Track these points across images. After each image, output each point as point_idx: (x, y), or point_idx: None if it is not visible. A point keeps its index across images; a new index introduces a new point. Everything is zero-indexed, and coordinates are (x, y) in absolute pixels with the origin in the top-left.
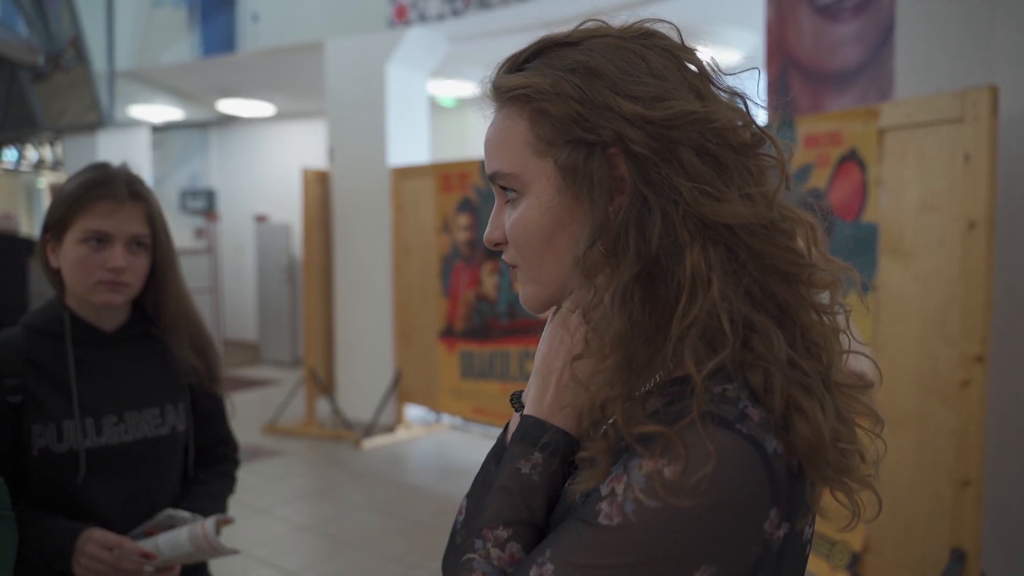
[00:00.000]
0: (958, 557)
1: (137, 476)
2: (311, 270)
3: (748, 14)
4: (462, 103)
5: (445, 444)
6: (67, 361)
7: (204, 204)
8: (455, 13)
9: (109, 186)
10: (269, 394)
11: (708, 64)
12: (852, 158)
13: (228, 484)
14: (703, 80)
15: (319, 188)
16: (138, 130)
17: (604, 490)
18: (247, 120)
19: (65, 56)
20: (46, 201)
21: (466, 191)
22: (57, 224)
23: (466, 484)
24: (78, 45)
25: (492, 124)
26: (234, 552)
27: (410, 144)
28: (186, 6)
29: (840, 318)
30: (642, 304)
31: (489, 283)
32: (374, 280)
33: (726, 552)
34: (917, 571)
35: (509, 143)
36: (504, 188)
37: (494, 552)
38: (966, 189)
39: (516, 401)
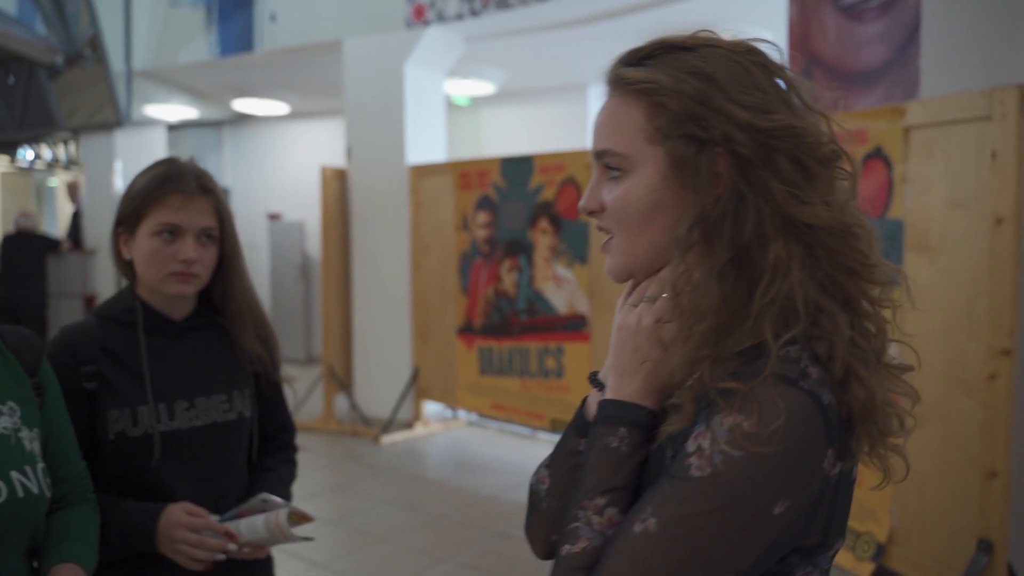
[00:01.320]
0: (985, 548)
1: (207, 460)
2: (329, 267)
3: (765, 13)
4: (476, 102)
5: (462, 440)
6: (140, 349)
7: None
8: (473, 13)
9: (180, 180)
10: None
11: (797, 82)
12: (877, 156)
13: (292, 470)
14: (794, 96)
15: (337, 186)
16: (154, 129)
17: (691, 447)
18: (260, 119)
19: (83, 55)
20: (58, 200)
21: (485, 189)
22: (130, 218)
23: (485, 479)
24: (96, 44)
25: (605, 108)
26: (307, 540)
27: (427, 143)
28: (204, 6)
29: (888, 311)
30: (733, 283)
31: (508, 280)
32: (392, 277)
33: (797, 488)
34: (943, 562)
35: (624, 127)
36: (609, 166)
37: (595, 519)
38: (993, 186)
39: (595, 380)
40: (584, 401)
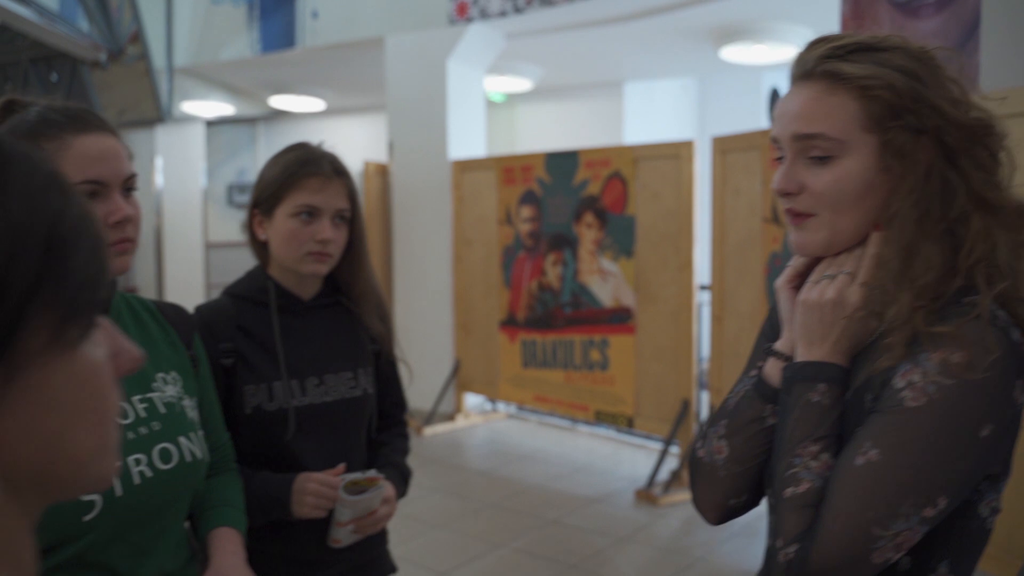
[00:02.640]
0: None
1: (335, 434)
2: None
3: (806, 11)
4: (511, 99)
5: (503, 432)
6: (273, 326)
7: None
8: (517, 10)
9: (318, 164)
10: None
11: (962, 82)
12: None
13: (406, 445)
14: (965, 95)
15: (379, 181)
16: (194, 125)
17: (900, 383)
18: (295, 115)
19: (125, 52)
20: None
21: (529, 183)
22: (268, 200)
23: (530, 469)
24: (139, 41)
25: (806, 96)
26: (379, 491)
27: (467, 138)
28: (245, 3)
29: None
30: (942, 249)
31: (553, 273)
32: (434, 271)
33: (998, 413)
34: None
35: (837, 115)
36: (813, 150)
37: (812, 464)
38: None
39: (774, 351)
40: (759, 373)
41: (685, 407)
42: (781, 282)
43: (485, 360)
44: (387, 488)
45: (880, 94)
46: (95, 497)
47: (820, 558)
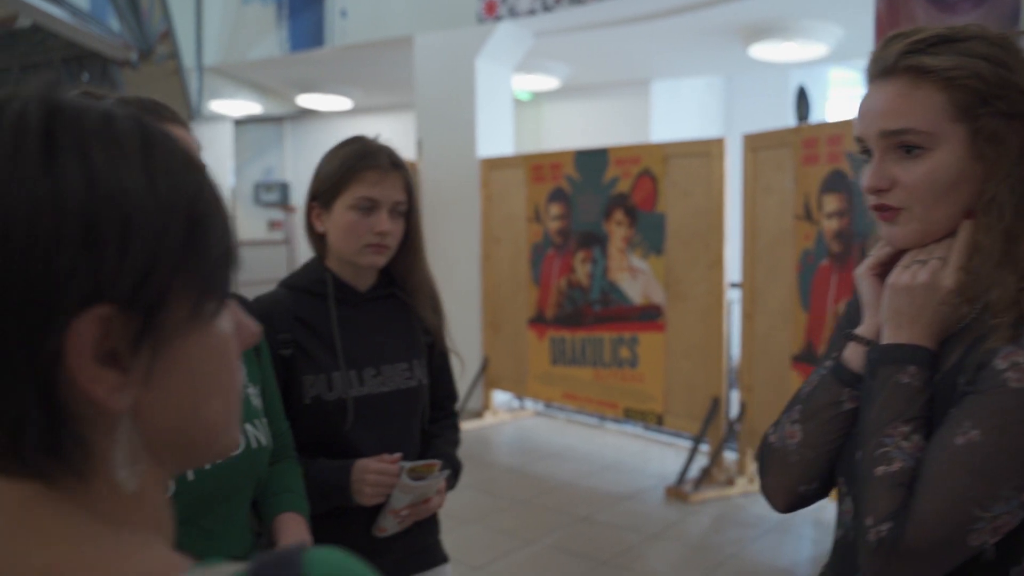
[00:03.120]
0: None
1: (391, 425)
2: None
3: (837, 8)
4: (537, 97)
5: (531, 429)
6: (331, 318)
7: (278, 197)
8: (546, 8)
9: (376, 157)
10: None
11: None
12: None
13: (457, 436)
14: None
15: None
16: (223, 124)
17: (1002, 364)
18: (321, 114)
19: (155, 52)
20: None
21: (558, 181)
22: (327, 192)
23: (559, 466)
24: (168, 40)
25: (891, 92)
26: (441, 475)
27: (495, 137)
28: (274, 3)
29: None
30: None
31: (582, 271)
32: (462, 269)
33: None
34: None
35: (923, 108)
36: (904, 145)
37: (904, 444)
38: None
39: (856, 336)
40: (839, 358)
41: (715, 405)
42: (862, 270)
43: (513, 357)
44: (442, 477)
45: (967, 83)
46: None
47: (917, 535)
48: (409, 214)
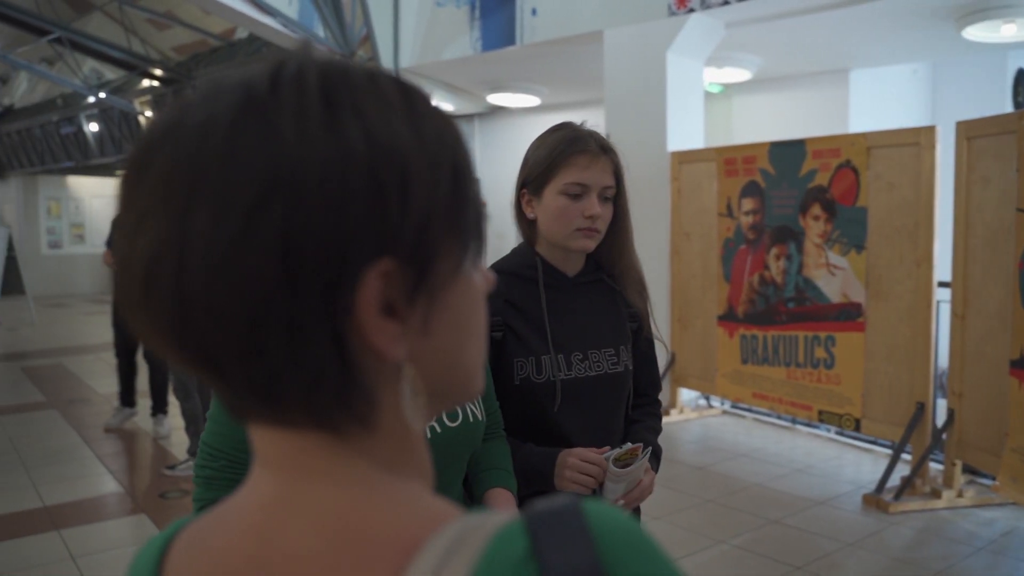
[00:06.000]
0: None
1: (597, 409)
2: None
3: None
4: (728, 90)
5: (718, 428)
6: (541, 302)
7: None
8: None
9: (585, 142)
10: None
11: None
12: None
13: (659, 424)
14: None
15: None
16: None
17: None
18: (509, 111)
19: (357, 55)
20: None
21: (752, 174)
22: (538, 179)
23: (748, 467)
24: (368, 44)
25: None
26: (643, 460)
27: (686, 130)
28: (467, 4)
29: None
30: None
31: (776, 267)
32: (651, 263)
33: None
34: None
35: None
36: None
37: None
38: None
39: None
40: None
41: (920, 411)
42: None
43: (702, 355)
44: (645, 458)
45: None
46: None
47: None
48: (618, 198)
